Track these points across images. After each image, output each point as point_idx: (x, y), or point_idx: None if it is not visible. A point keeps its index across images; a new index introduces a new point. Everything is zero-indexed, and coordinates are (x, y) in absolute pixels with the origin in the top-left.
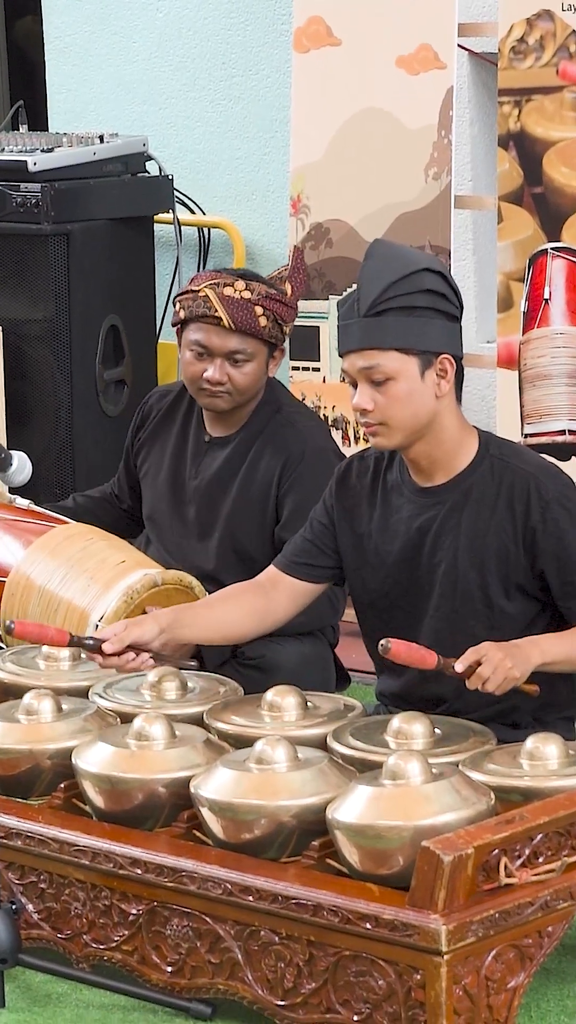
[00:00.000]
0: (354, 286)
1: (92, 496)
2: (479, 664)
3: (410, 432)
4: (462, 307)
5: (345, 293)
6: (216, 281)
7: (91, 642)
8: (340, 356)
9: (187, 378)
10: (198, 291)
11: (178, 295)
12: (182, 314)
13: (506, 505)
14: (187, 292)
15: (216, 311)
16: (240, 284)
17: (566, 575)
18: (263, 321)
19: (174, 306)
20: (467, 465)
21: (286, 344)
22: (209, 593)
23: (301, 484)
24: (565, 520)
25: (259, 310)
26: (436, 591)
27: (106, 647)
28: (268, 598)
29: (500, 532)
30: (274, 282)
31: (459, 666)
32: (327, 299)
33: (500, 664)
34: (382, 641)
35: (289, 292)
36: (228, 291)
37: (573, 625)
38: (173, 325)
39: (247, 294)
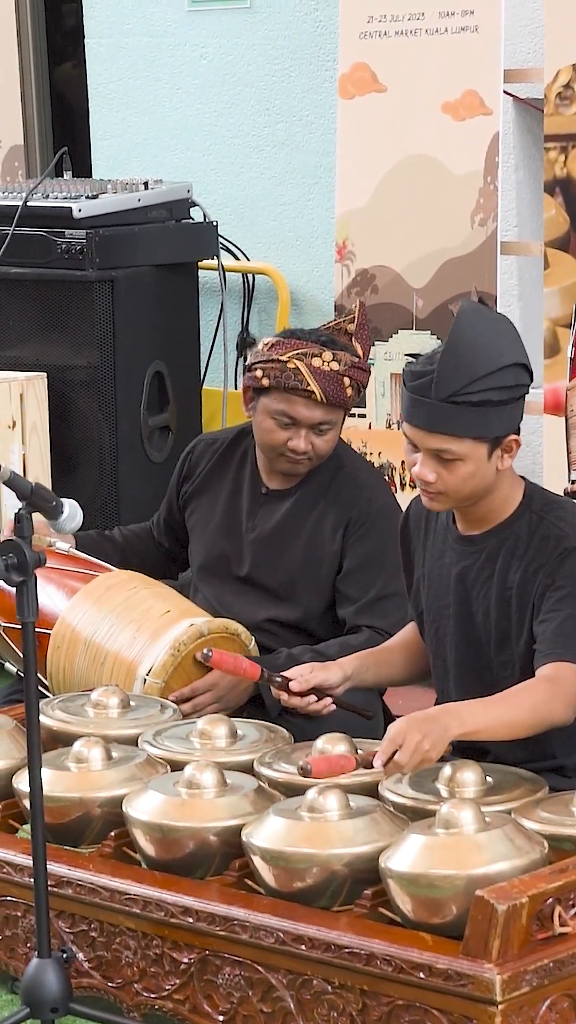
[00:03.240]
0: (419, 349)
1: (136, 532)
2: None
3: (466, 500)
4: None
5: (419, 359)
6: (303, 351)
7: (279, 680)
8: (405, 421)
9: (268, 444)
10: (286, 361)
11: (260, 361)
12: (266, 382)
13: (532, 560)
14: (272, 361)
15: (308, 385)
16: (327, 355)
17: (546, 604)
18: (349, 392)
19: (250, 370)
20: (507, 517)
21: None
22: (256, 641)
23: (365, 541)
24: (572, 570)
25: (347, 381)
26: (472, 639)
27: (293, 686)
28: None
29: (524, 586)
30: (334, 334)
31: (378, 762)
32: (373, 345)
33: (416, 748)
34: (301, 763)
35: (361, 352)
36: (317, 362)
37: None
38: (250, 388)
39: (335, 365)
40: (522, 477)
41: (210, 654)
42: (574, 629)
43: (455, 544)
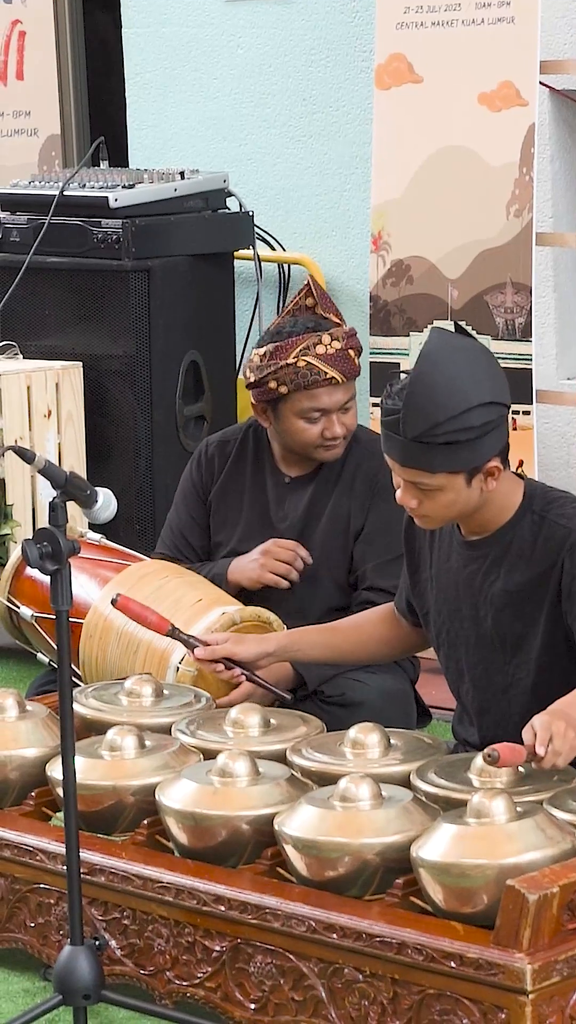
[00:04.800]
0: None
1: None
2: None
3: (454, 520)
4: (509, 404)
5: (393, 389)
6: (304, 346)
7: (188, 639)
8: (383, 451)
9: (303, 443)
10: (295, 362)
11: (268, 373)
12: (284, 389)
13: (541, 561)
14: (280, 368)
15: (328, 373)
16: (326, 338)
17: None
18: (356, 361)
19: (259, 385)
20: (508, 521)
21: None
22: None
23: (388, 504)
24: None
25: (351, 353)
26: (485, 642)
27: (197, 652)
28: (400, 627)
29: (534, 588)
30: (299, 315)
31: (540, 749)
32: (407, 336)
33: (565, 735)
34: (488, 751)
35: (336, 318)
36: (321, 349)
37: None
38: (262, 402)
39: (337, 344)
40: (519, 475)
41: (117, 599)
42: None
43: (460, 548)
